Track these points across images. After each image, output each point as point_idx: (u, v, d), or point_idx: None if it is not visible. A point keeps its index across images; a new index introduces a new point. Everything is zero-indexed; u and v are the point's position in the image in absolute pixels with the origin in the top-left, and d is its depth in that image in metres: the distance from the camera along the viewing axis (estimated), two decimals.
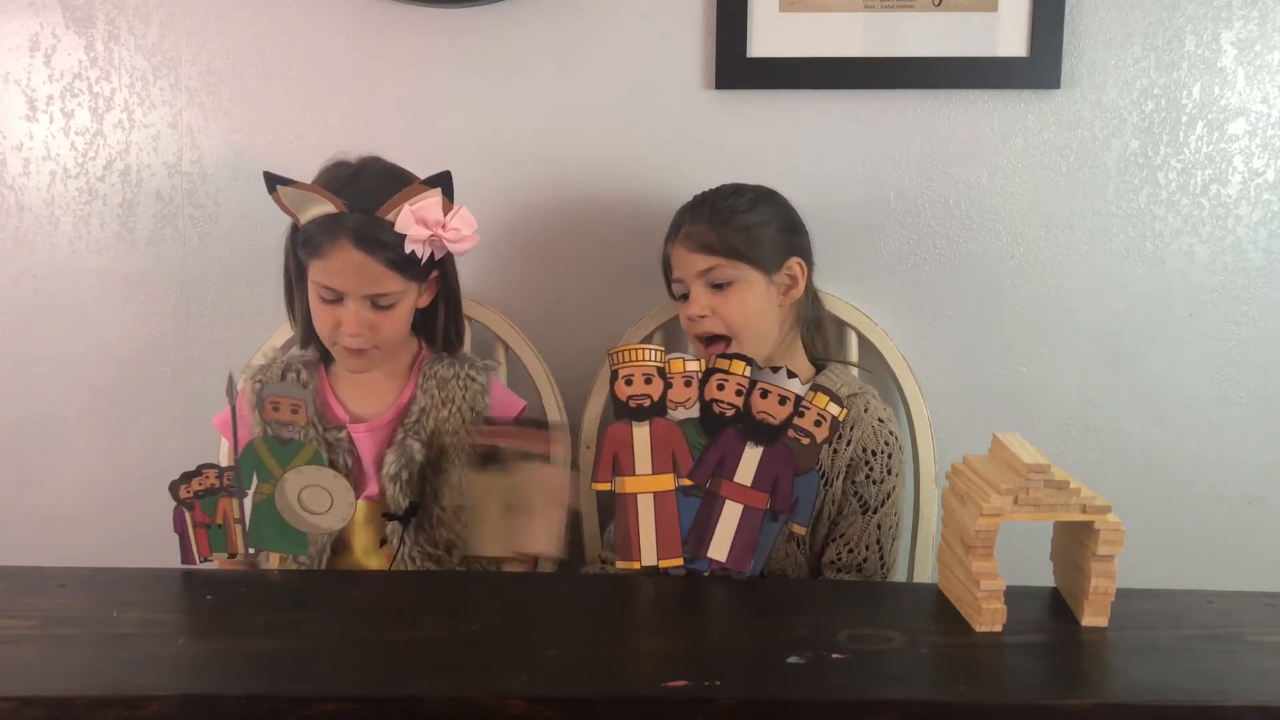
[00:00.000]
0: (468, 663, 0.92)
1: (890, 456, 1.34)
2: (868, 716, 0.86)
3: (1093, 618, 1.00)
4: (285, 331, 1.48)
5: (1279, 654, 0.95)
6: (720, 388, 1.13)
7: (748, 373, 1.13)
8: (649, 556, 1.13)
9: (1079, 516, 0.99)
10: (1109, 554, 0.99)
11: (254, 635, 0.99)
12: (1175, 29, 1.51)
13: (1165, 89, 1.52)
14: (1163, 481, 1.61)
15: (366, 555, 1.33)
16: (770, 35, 1.51)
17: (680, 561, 1.13)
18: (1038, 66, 1.50)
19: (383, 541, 1.32)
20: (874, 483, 1.33)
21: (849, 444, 1.33)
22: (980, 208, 1.56)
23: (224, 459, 1.44)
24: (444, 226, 1.25)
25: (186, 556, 1.17)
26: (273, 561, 1.31)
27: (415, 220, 1.23)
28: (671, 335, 1.55)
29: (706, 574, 1.13)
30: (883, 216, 1.57)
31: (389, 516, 1.30)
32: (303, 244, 1.27)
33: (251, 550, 1.16)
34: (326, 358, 1.38)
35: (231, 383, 1.15)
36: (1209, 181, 1.54)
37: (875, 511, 1.33)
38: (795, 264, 1.38)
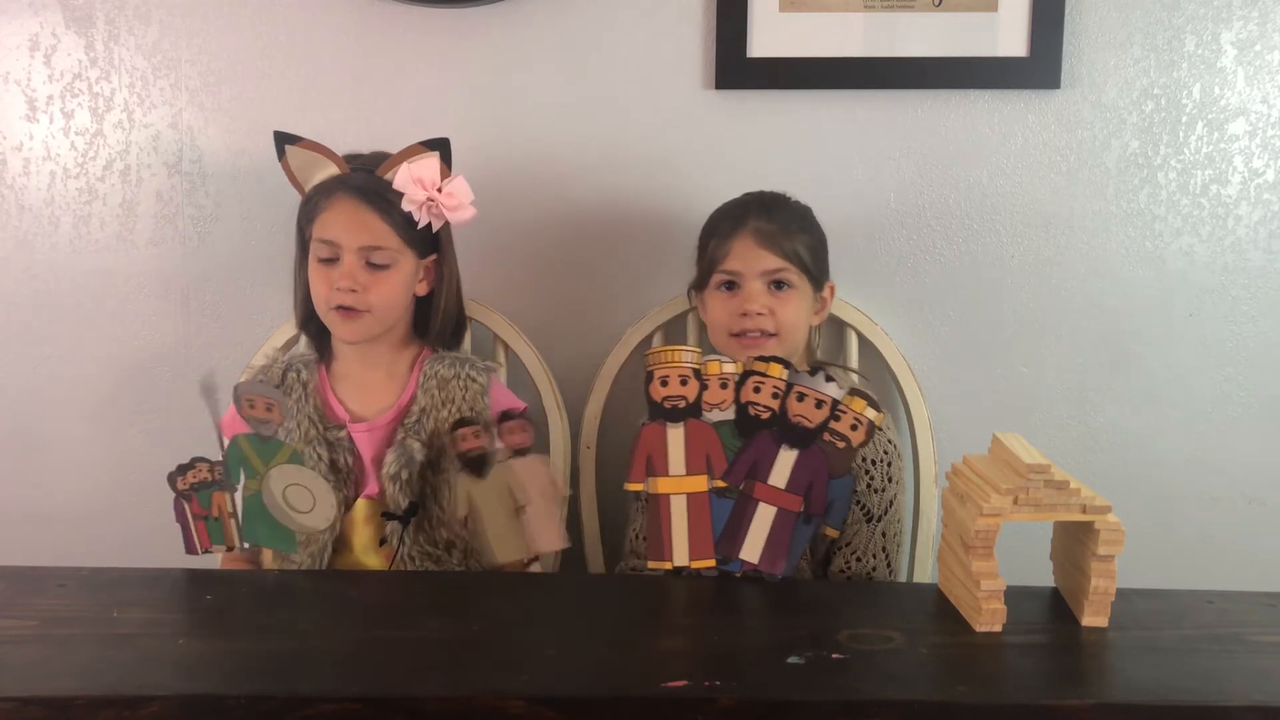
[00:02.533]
0: (468, 663, 0.92)
1: (890, 464, 1.34)
2: (868, 716, 0.86)
3: (1093, 618, 1.00)
4: (285, 332, 1.48)
5: (1279, 654, 0.95)
6: (756, 390, 1.12)
7: (785, 375, 1.12)
8: (680, 557, 1.13)
9: (1079, 516, 0.99)
10: (1109, 554, 0.99)
11: (254, 635, 0.99)
12: (1175, 29, 1.51)
13: (1165, 89, 1.52)
14: (1163, 481, 1.61)
15: (365, 553, 1.33)
16: (770, 35, 1.51)
17: (712, 562, 1.12)
18: (1038, 66, 1.50)
19: (382, 541, 1.32)
20: (876, 491, 1.33)
21: None
22: (980, 208, 1.56)
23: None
24: (440, 190, 1.28)
25: (189, 547, 1.17)
26: (267, 557, 1.31)
27: (413, 179, 1.26)
28: (672, 336, 1.55)
29: (738, 575, 1.12)
30: (883, 216, 1.57)
31: (388, 516, 1.30)
32: (304, 208, 1.30)
33: (247, 545, 1.16)
34: (326, 359, 1.38)
35: (207, 386, 1.14)
36: (1209, 181, 1.54)
37: (879, 520, 1.33)
38: (830, 287, 1.40)
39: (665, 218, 1.56)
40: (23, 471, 1.66)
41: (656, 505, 1.14)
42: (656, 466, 1.14)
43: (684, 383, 1.13)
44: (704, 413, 1.13)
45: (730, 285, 1.36)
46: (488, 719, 0.86)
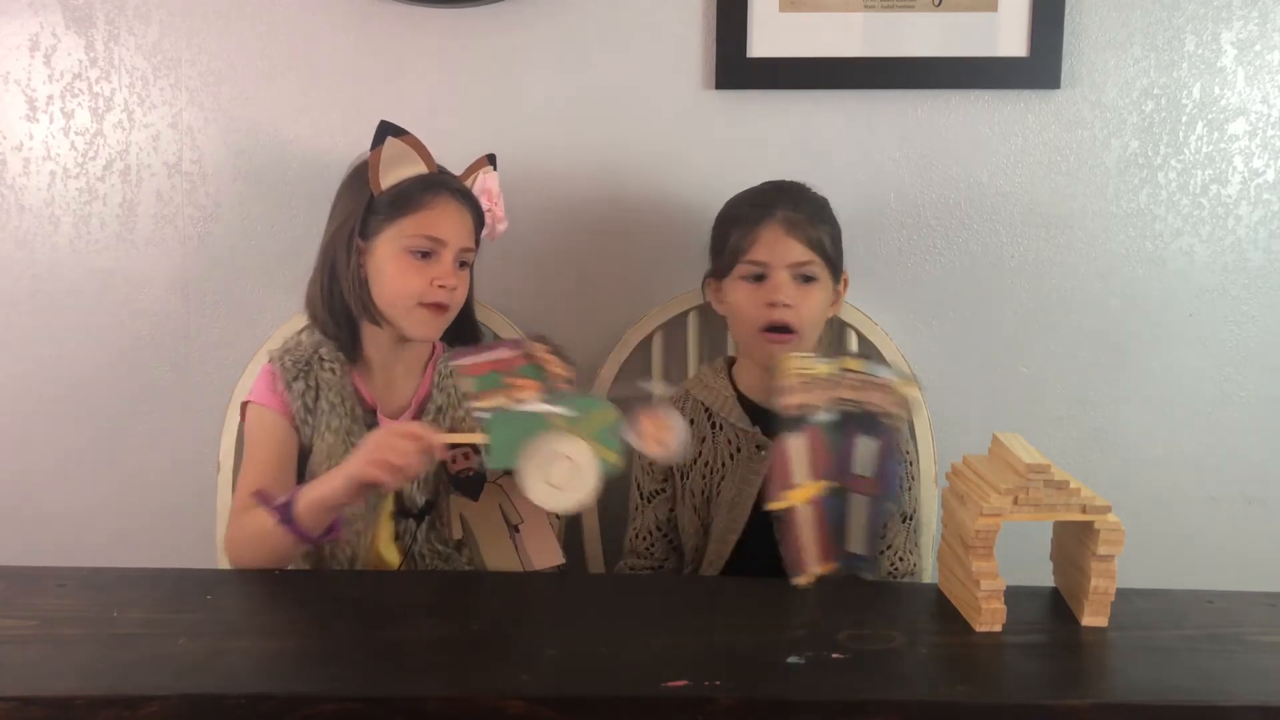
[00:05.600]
0: (468, 663, 0.92)
1: (912, 464, 1.35)
2: (868, 716, 0.86)
3: (1093, 618, 1.00)
4: (301, 320, 1.45)
5: (1279, 654, 0.95)
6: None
7: (864, 368, 1.13)
8: (814, 566, 1.09)
9: (1079, 516, 1.00)
10: (1109, 554, 0.99)
11: (254, 635, 0.99)
12: (1175, 29, 1.51)
13: (1165, 89, 1.52)
14: (1163, 481, 1.61)
15: (387, 547, 1.33)
16: (770, 35, 1.51)
17: (834, 564, 1.10)
18: (1038, 66, 1.50)
19: (397, 537, 1.32)
20: (904, 490, 1.33)
21: None
22: (980, 208, 1.56)
23: (226, 455, 1.44)
24: (495, 204, 1.35)
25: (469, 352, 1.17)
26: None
27: (483, 190, 1.34)
28: (672, 336, 1.55)
29: (851, 569, 1.09)
30: (883, 216, 1.57)
31: (401, 514, 1.30)
32: (393, 201, 1.27)
33: (485, 415, 1.10)
34: (351, 351, 1.36)
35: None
36: (1209, 181, 1.54)
37: (909, 519, 1.33)
38: (845, 278, 1.39)
39: (665, 218, 1.56)
40: (23, 471, 1.66)
41: (790, 520, 1.10)
42: (787, 479, 1.11)
43: (808, 389, 1.12)
44: (812, 417, 1.12)
45: (758, 277, 1.32)
46: (488, 719, 0.86)
